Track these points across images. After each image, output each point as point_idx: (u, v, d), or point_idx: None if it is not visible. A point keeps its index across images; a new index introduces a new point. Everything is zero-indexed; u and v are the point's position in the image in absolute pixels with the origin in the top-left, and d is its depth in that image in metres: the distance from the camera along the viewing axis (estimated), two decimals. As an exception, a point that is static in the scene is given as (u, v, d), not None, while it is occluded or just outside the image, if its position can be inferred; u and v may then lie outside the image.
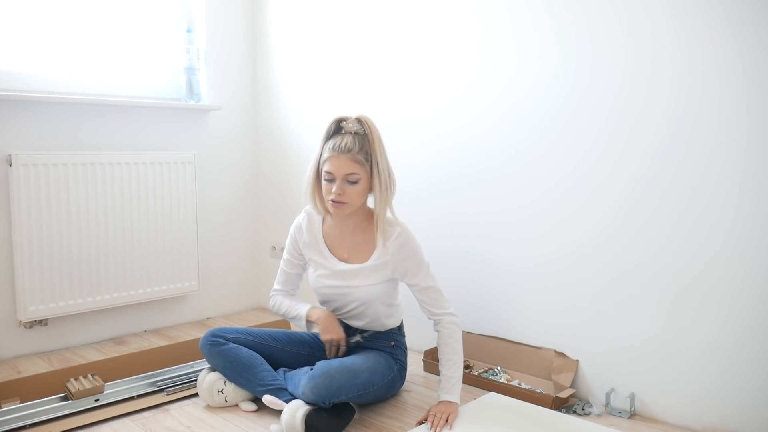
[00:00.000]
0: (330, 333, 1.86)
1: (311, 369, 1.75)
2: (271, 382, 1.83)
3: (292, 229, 1.97)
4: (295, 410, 1.66)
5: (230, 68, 2.82)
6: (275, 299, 2.02)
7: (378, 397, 1.88)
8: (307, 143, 2.73)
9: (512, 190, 2.08)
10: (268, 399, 1.77)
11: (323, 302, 1.97)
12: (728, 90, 1.62)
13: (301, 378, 1.75)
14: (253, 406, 1.87)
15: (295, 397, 1.75)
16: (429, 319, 1.88)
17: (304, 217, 1.95)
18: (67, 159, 2.27)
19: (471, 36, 2.14)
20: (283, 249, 2.81)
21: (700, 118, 1.67)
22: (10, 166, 2.16)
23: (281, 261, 2.02)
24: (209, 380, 1.88)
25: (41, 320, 2.27)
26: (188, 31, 2.65)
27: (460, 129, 2.20)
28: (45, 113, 2.28)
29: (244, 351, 1.88)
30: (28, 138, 2.25)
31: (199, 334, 2.50)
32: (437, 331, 1.86)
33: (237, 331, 1.94)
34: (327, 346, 1.88)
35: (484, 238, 2.17)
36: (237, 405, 1.89)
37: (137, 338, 2.46)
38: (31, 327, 2.26)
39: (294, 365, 1.93)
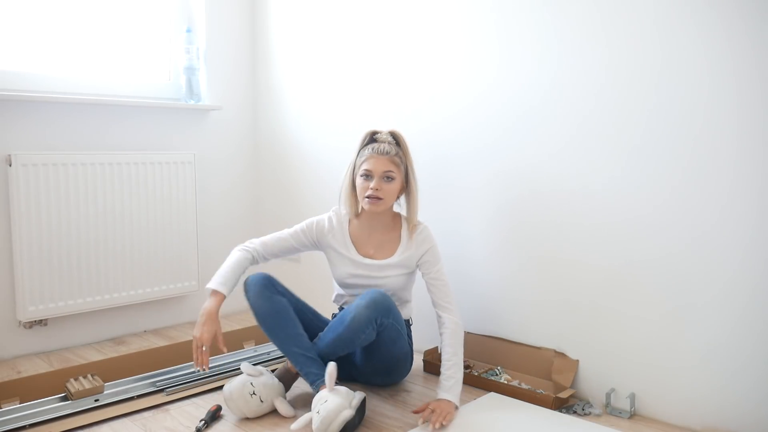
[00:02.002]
0: (200, 330, 1.77)
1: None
2: (307, 350, 1.81)
3: (318, 219, 2.00)
4: (336, 412, 1.61)
5: (230, 68, 2.82)
6: (238, 251, 1.95)
7: (400, 374, 2.01)
8: (307, 142, 2.73)
9: (510, 188, 2.08)
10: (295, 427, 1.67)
11: (344, 295, 2.02)
12: (744, 93, 1.62)
13: (346, 312, 1.79)
14: (290, 411, 1.80)
15: (319, 377, 1.75)
16: (436, 315, 1.91)
17: (332, 216, 2.02)
18: (67, 159, 2.27)
19: (467, 35, 2.14)
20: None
21: (699, 117, 1.67)
22: (10, 166, 2.16)
23: (285, 230, 2.00)
24: (239, 383, 1.78)
25: (41, 320, 2.27)
26: (188, 31, 2.65)
27: (459, 132, 2.20)
28: (45, 113, 2.28)
29: (291, 310, 1.86)
30: (28, 138, 2.25)
31: (199, 334, 2.49)
32: (441, 333, 1.89)
33: (287, 290, 1.93)
34: (193, 348, 1.77)
35: (483, 237, 2.17)
36: (273, 408, 1.81)
37: (137, 338, 2.46)
38: (30, 327, 2.26)
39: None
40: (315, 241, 2.00)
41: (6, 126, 2.20)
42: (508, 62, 2.05)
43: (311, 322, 1.95)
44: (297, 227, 2.01)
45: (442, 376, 1.82)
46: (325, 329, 1.87)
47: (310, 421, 1.64)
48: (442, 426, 1.69)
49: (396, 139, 1.95)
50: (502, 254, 2.12)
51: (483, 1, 2.10)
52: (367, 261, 1.96)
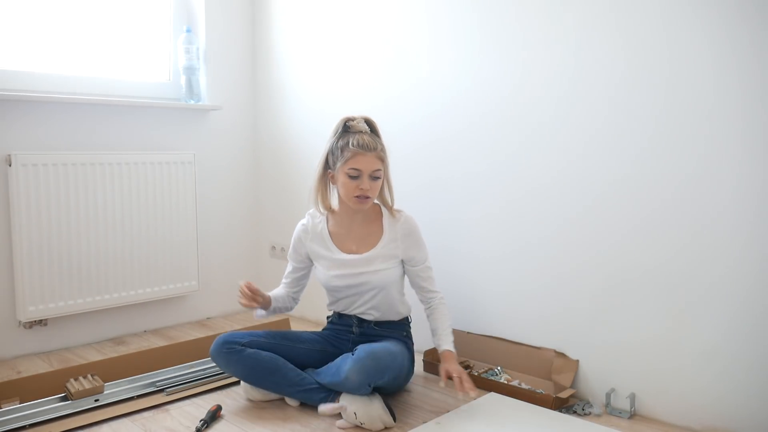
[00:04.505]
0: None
1: (353, 354, 1.77)
2: (300, 385, 1.83)
3: (296, 233, 2.00)
4: (368, 402, 1.71)
5: (230, 68, 2.82)
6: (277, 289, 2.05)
7: (399, 386, 1.93)
8: (307, 142, 2.73)
9: (511, 188, 2.08)
10: (324, 409, 1.76)
11: (336, 300, 1.97)
12: (745, 95, 1.61)
13: (341, 364, 1.76)
14: (296, 402, 1.86)
15: (329, 395, 1.79)
16: (420, 299, 1.98)
17: (308, 219, 1.99)
18: (67, 159, 2.27)
19: (468, 36, 2.14)
20: (282, 249, 2.85)
21: (696, 117, 1.67)
22: (10, 166, 2.16)
23: (287, 265, 2.06)
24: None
25: (41, 320, 2.26)
26: (188, 30, 2.65)
27: (459, 127, 2.20)
28: (45, 113, 2.28)
29: (264, 354, 1.84)
30: (28, 138, 2.25)
31: (200, 334, 2.50)
32: (430, 308, 1.96)
33: (250, 334, 1.89)
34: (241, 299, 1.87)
35: (482, 237, 2.17)
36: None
37: (137, 338, 2.46)
38: (30, 327, 2.26)
39: (306, 362, 1.91)
40: (306, 256, 2.00)
41: (6, 126, 2.20)
42: (507, 62, 2.05)
43: (292, 348, 1.89)
44: (289, 261, 2.03)
45: (438, 332, 1.90)
46: (324, 370, 1.84)
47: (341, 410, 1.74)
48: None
49: (371, 127, 1.89)
50: (502, 254, 2.12)
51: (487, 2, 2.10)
52: (350, 257, 1.90)
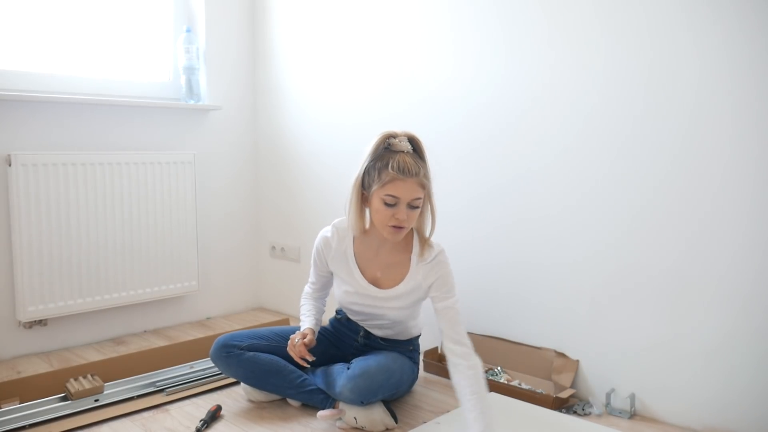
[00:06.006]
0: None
1: (348, 368, 1.75)
2: (301, 386, 1.82)
3: (317, 246, 1.87)
4: (368, 406, 1.70)
5: (230, 68, 2.82)
6: (303, 299, 1.98)
7: (399, 397, 1.90)
8: (307, 142, 2.73)
9: (512, 189, 2.08)
10: (323, 415, 1.74)
11: (347, 310, 1.93)
12: (739, 94, 1.62)
13: (337, 378, 1.75)
14: (297, 402, 1.87)
15: (329, 397, 1.79)
16: (444, 346, 1.67)
17: (333, 232, 1.84)
18: (67, 159, 2.27)
19: (474, 33, 2.14)
20: (283, 249, 2.85)
21: (694, 115, 1.67)
22: (10, 166, 2.16)
23: (311, 273, 1.96)
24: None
25: (41, 320, 2.26)
26: (188, 30, 2.65)
27: (463, 125, 2.20)
28: (45, 113, 2.28)
29: (264, 357, 1.83)
30: (28, 138, 2.25)
31: (199, 334, 2.49)
32: (457, 374, 1.61)
33: (248, 336, 1.88)
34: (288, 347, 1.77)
35: (483, 239, 2.17)
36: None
37: (137, 338, 2.46)
38: (30, 327, 2.26)
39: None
40: (328, 266, 1.88)
41: (6, 126, 2.20)
42: (508, 62, 2.05)
43: (284, 348, 1.79)
44: (312, 269, 1.93)
45: (476, 412, 1.53)
46: (321, 374, 1.83)
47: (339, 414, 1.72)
48: None
49: (415, 146, 1.70)
50: (502, 254, 2.12)
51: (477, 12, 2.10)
52: (372, 290, 1.80)
